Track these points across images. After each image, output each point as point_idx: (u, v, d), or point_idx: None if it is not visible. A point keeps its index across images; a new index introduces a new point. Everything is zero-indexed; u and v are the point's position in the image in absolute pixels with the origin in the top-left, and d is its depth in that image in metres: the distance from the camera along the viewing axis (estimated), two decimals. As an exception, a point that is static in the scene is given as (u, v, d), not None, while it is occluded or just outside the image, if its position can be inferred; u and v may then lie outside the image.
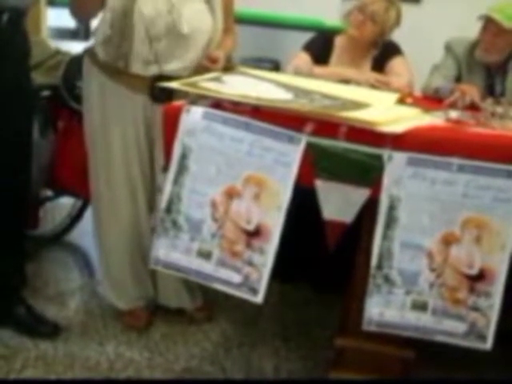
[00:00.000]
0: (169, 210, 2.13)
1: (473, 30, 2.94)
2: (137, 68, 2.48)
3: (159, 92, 2.41)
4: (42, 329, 2.64)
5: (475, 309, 2.02)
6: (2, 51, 2.35)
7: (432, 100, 2.75)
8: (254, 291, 2.05)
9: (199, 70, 2.49)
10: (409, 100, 2.52)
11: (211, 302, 2.89)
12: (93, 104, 2.59)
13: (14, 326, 2.63)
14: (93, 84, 2.58)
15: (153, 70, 2.49)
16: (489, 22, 2.83)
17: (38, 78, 2.93)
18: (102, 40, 2.50)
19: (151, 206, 2.67)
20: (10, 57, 2.39)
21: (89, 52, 2.59)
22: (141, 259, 2.70)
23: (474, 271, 2.01)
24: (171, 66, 2.49)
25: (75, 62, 3.02)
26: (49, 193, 3.38)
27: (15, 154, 2.49)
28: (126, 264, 2.72)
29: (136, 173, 2.62)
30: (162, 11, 2.43)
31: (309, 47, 3.03)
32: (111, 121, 2.56)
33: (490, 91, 2.86)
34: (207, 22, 2.52)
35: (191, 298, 2.81)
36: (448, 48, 3.00)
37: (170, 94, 2.34)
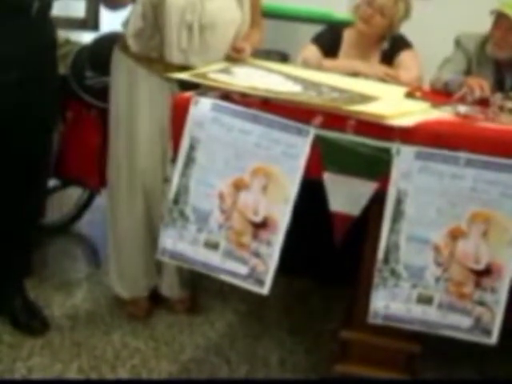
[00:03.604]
0: (176, 200, 2.13)
1: (482, 24, 2.92)
2: (170, 57, 2.50)
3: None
4: (33, 325, 2.59)
5: (481, 303, 2.02)
6: (32, 40, 2.34)
7: (441, 94, 2.74)
8: (261, 283, 2.06)
9: (226, 60, 2.51)
10: (418, 94, 2.51)
11: (197, 295, 2.90)
12: (120, 90, 2.60)
13: (10, 318, 2.60)
14: (121, 70, 2.59)
15: (184, 60, 2.49)
16: (500, 17, 2.81)
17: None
18: (134, 32, 2.54)
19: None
20: (40, 45, 2.39)
21: (119, 43, 2.61)
22: (151, 249, 2.69)
23: (480, 266, 2.01)
24: (200, 57, 2.49)
25: (84, 52, 3.02)
26: (56, 182, 3.39)
27: (39, 143, 2.50)
28: (137, 253, 2.72)
29: (158, 161, 2.62)
30: (192, 2, 2.45)
31: (318, 40, 3.02)
32: (139, 106, 2.57)
33: (499, 86, 2.84)
34: (236, 15, 2.55)
35: (180, 289, 2.81)
36: (458, 42, 2.98)
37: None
